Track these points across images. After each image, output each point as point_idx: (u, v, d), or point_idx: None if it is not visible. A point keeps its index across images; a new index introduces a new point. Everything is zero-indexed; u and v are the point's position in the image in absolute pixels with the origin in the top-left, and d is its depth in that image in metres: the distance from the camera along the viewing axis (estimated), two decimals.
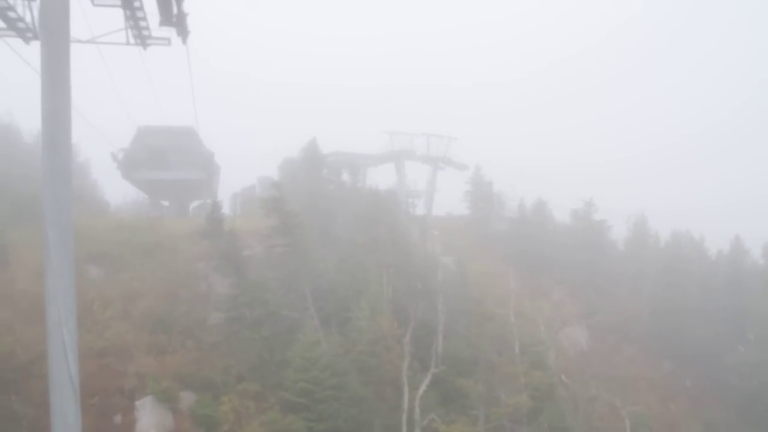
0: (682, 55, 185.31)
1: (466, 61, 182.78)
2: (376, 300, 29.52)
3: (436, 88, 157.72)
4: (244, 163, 69.05)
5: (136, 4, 17.93)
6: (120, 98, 31.81)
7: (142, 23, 19.35)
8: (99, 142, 62.62)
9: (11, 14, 15.33)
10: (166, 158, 50.58)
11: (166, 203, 57.52)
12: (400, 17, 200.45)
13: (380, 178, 55.57)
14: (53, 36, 12.96)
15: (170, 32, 20.19)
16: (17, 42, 17.32)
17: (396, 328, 29.56)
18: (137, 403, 25.19)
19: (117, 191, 61.75)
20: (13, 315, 26.59)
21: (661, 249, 56.68)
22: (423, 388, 28.02)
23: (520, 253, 51.06)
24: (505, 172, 77.25)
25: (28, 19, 16.82)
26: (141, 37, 19.76)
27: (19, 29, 17.42)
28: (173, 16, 17.91)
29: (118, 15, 18.77)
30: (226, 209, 71.27)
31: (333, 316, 30.53)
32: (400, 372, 28.06)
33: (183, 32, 18.68)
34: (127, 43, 19.96)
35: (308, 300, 29.75)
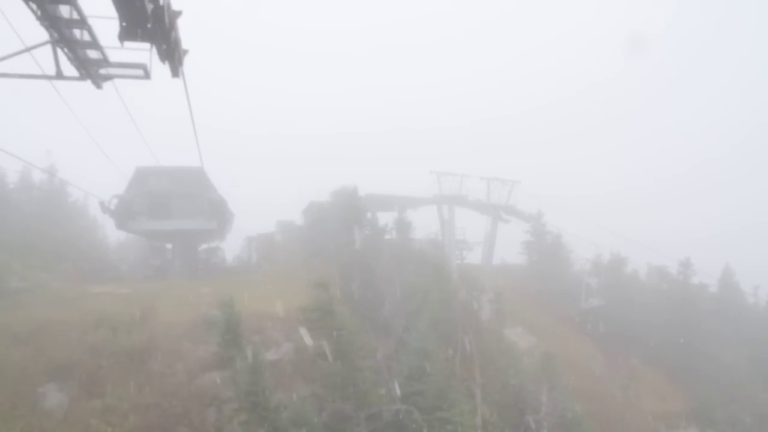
0: (698, 85, 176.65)
1: (482, 100, 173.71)
2: None
3: (449, 129, 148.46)
4: (259, 211, 60.36)
5: None
6: (95, 142, 21.35)
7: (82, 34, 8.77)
8: (99, 175, 52.97)
9: None
10: (170, 205, 40.30)
11: (169, 246, 47.03)
12: (409, 67, 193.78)
13: (420, 220, 45.34)
14: None
15: (148, 55, 9.67)
16: None
17: None
18: None
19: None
20: None
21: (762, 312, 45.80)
22: None
23: (599, 322, 40.29)
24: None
25: None
26: (84, 63, 9.26)
27: None
28: (147, 18, 7.31)
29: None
30: (239, 254, 62.06)
31: None
32: None
33: (170, 52, 8.12)
34: (58, 76, 9.58)
35: None
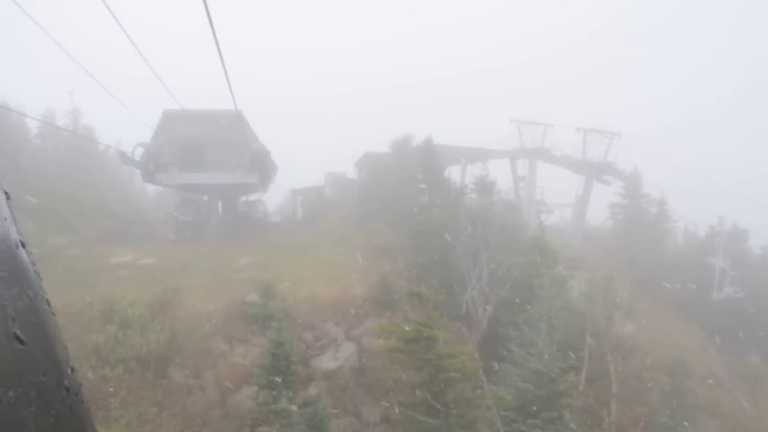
0: (682, 40, 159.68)
1: (464, 53, 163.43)
2: None
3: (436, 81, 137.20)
4: (300, 169, 54.45)
5: None
6: (102, 86, 14.76)
7: None
8: (122, 127, 46.93)
9: None
10: (204, 155, 33.91)
11: (205, 197, 40.84)
12: (399, 22, 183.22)
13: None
14: None
15: None
16: None
17: None
18: None
19: None
20: None
21: None
22: None
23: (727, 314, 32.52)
24: None
25: None
26: None
27: None
28: None
29: None
30: (281, 205, 55.88)
31: None
32: None
33: None
34: None
35: None
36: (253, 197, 45.99)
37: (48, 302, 0.85)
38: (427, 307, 13.27)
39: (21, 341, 0.72)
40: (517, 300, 21.59)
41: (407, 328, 12.46)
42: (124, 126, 52.38)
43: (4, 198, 0.81)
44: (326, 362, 18.83)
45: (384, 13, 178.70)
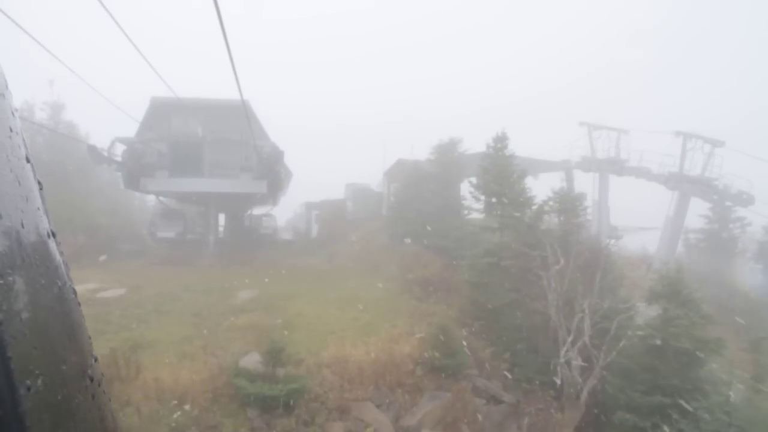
0: (703, 61, 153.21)
1: (500, 86, 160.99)
2: None
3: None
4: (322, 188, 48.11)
5: None
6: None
7: None
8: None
9: None
10: (201, 156, 26.84)
11: (196, 209, 33.48)
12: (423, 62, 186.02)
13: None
14: None
15: None
16: None
17: None
18: None
19: None
20: None
21: None
22: None
23: None
24: None
25: None
26: None
27: None
28: None
29: None
30: (292, 219, 48.53)
31: None
32: None
33: None
34: None
35: None
36: (259, 210, 38.92)
37: (75, 292, 0.84)
38: None
39: (49, 330, 0.72)
40: (636, 369, 14.11)
41: None
42: (121, 126, 45.59)
43: (38, 188, 0.79)
44: None
45: (440, 51, 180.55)
